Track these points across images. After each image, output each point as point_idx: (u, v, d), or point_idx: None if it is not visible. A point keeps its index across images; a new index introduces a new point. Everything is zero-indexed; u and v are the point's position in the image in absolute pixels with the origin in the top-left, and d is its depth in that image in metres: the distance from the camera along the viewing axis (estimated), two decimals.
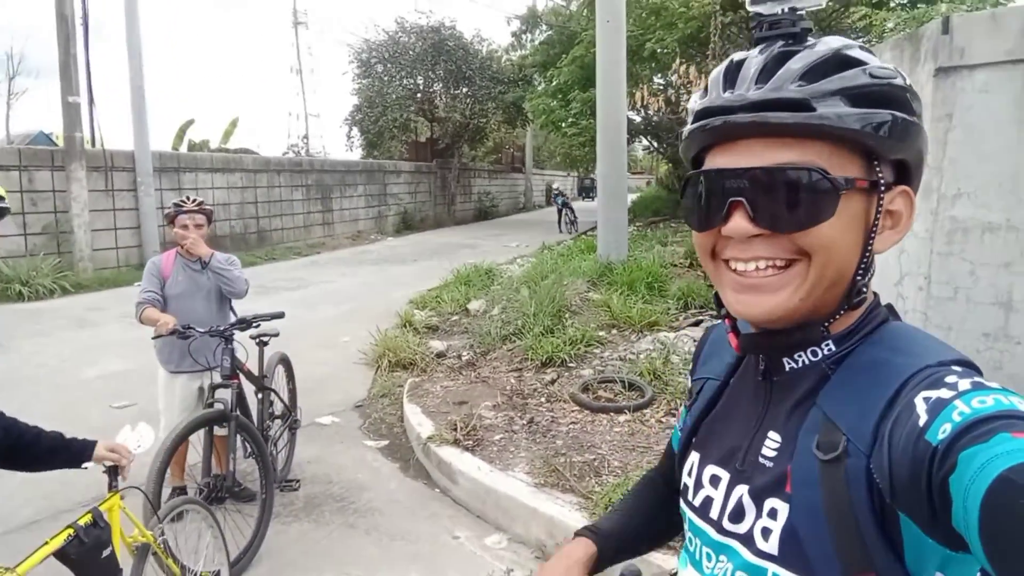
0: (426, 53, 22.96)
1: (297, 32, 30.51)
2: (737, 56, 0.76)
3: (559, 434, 4.30)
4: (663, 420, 4.40)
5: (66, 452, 2.00)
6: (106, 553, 1.93)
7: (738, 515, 0.78)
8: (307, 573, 3.30)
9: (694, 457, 0.90)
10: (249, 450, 3.51)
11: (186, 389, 3.77)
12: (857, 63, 0.71)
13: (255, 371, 3.87)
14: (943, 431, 0.60)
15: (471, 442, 4.27)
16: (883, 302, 0.81)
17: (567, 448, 4.06)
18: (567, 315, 6.71)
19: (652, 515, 1.11)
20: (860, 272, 0.75)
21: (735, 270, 0.76)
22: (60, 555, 1.81)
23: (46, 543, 1.79)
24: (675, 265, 9.56)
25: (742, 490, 0.79)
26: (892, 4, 13.46)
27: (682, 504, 0.91)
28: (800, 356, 0.78)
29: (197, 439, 3.35)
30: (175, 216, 3.72)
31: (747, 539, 0.76)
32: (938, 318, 3.97)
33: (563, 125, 17.92)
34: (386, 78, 23.57)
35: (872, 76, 0.71)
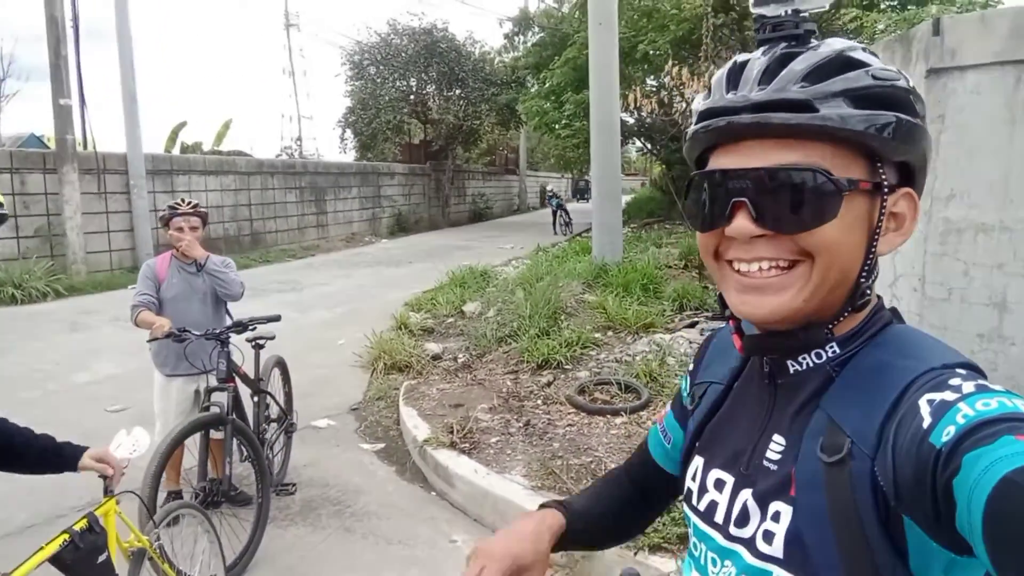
0: (419, 55, 22.97)
1: (289, 34, 30.45)
2: (740, 58, 0.76)
3: (556, 436, 4.30)
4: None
5: (56, 458, 1.98)
6: (102, 558, 1.92)
7: (743, 519, 0.78)
8: None
9: (698, 461, 0.89)
10: (245, 454, 3.49)
11: (182, 392, 3.75)
12: (860, 65, 0.72)
13: (251, 374, 3.86)
14: (947, 433, 0.60)
15: (468, 445, 4.26)
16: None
17: (564, 451, 4.06)
18: (563, 317, 6.71)
19: (617, 510, 1.10)
20: (864, 274, 0.74)
21: (738, 271, 0.76)
22: (55, 560, 1.80)
23: (41, 548, 1.78)
24: (670, 267, 9.58)
25: (747, 494, 0.79)
26: (883, 6, 13.54)
27: (686, 508, 0.90)
28: (804, 359, 0.78)
29: (193, 443, 3.33)
30: (170, 219, 3.70)
31: (749, 542, 0.76)
32: (933, 319, 3.98)
33: (556, 127, 17.94)
34: (379, 80, 23.55)
35: (875, 78, 0.71)
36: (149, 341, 3.59)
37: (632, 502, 1.11)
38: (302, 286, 11.75)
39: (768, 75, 0.72)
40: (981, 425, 0.59)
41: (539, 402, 4.93)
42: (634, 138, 20.02)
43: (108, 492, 2.09)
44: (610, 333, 6.55)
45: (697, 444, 0.92)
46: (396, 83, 23.70)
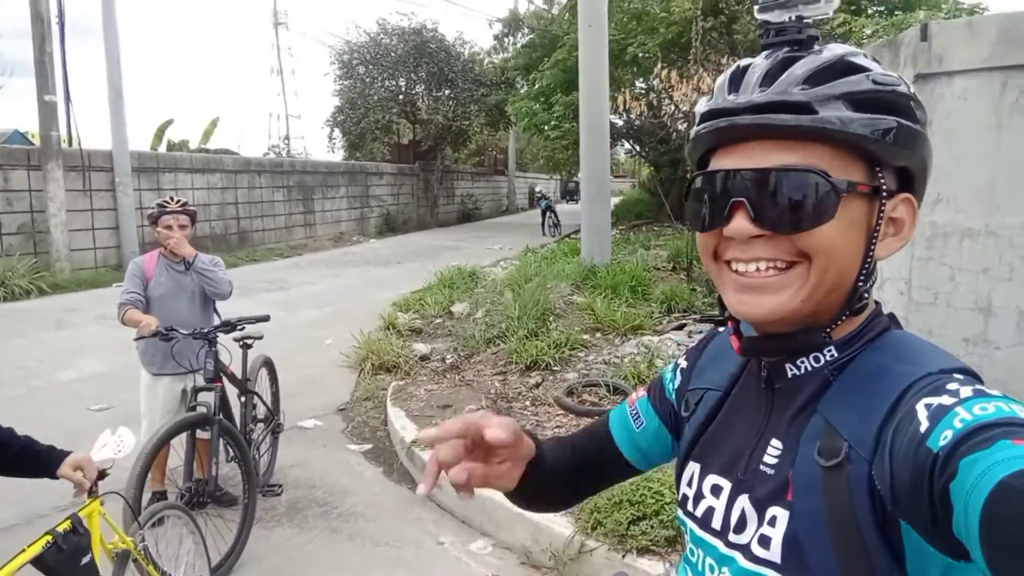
0: (408, 55, 22.94)
1: (277, 32, 30.30)
2: (743, 62, 0.77)
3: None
4: None
5: (34, 462, 1.93)
6: (85, 560, 1.89)
7: (741, 525, 0.78)
8: None
9: (693, 467, 0.89)
10: (231, 454, 3.47)
11: (169, 392, 3.72)
12: (861, 69, 0.72)
13: (238, 374, 3.83)
14: (944, 438, 0.60)
15: None
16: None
17: None
18: (551, 318, 6.72)
19: (563, 474, 1.05)
20: (861, 278, 0.75)
21: (736, 271, 0.76)
22: (38, 562, 1.77)
23: (23, 551, 1.75)
24: (658, 269, 9.61)
25: (744, 499, 0.78)
26: (870, 11, 13.65)
27: (682, 514, 0.90)
28: (803, 362, 0.78)
29: (179, 443, 3.30)
30: (158, 216, 3.67)
31: (745, 548, 0.76)
32: (919, 323, 4.01)
33: (546, 128, 17.98)
34: (368, 80, 23.50)
35: (875, 82, 0.71)
36: (136, 339, 3.56)
37: (573, 475, 1.06)
38: (289, 285, 11.70)
39: (769, 78, 0.73)
40: (978, 429, 0.59)
41: (527, 404, 4.93)
42: (623, 140, 20.10)
43: (92, 493, 2.05)
44: (598, 335, 6.56)
45: (693, 450, 0.91)
46: (385, 83, 23.66)
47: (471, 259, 11.90)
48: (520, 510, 3.41)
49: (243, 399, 3.85)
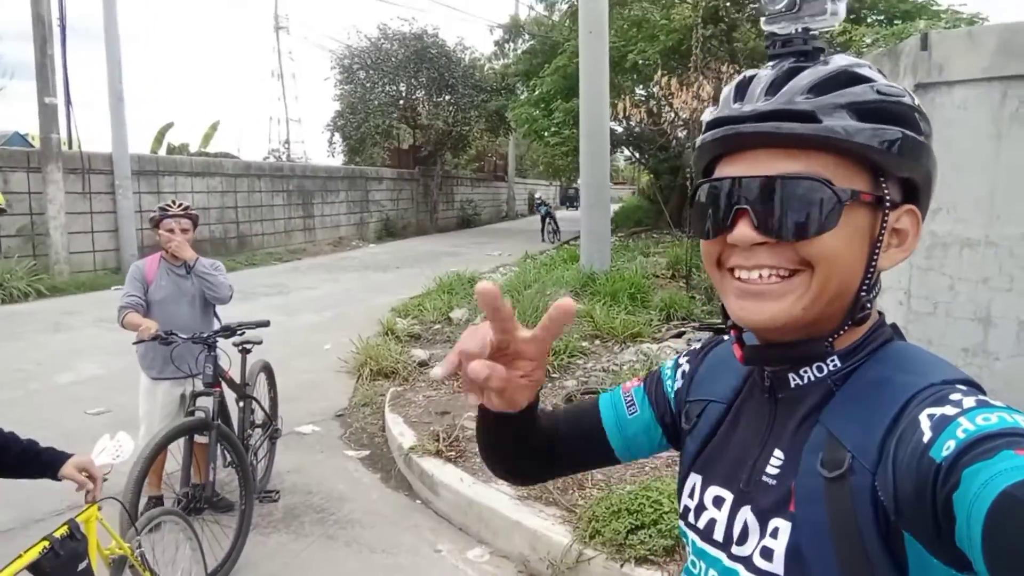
0: (409, 60, 22.97)
1: (278, 36, 30.43)
2: (749, 72, 0.78)
3: None
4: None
5: (35, 464, 1.92)
6: (82, 566, 1.87)
7: (744, 537, 0.78)
8: None
9: (695, 479, 0.89)
10: (229, 459, 3.45)
11: (168, 396, 3.71)
12: (865, 80, 0.73)
13: (237, 378, 3.82)
14: (947, 448, 0.60)
15: (454, 453, 4.24)
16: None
17: None
18: None
19: (546, 442, 1.01)
20: (864, 288, 0.75)
21: (739, 278, 0.76)
22: (34, 568, 1.75)
23: (20, 556, 1.74)
24: (657, 276, 9.62)
25: (747, 511, 0.78)
26: (869, 20, 13.70)
27: (683, 526, 0.89)
28: (806, 372, 0.78)
29: (176, 447, 3.29)
30: (160, 220, 3.67)
31: (747, 560, 0.76)
32: (918, 333, 4.01)
33: (546, 134, 18.01)
34: (368, 84, 23.53)
35: (880, 93, 0.72)
36: (135, 343, 3.55)
37: (552, 447, 1.02)
38: (288, 290, 11.69)
39: (774, 87, 0.73)
40: (981, 440, 0.59)
41: None
42: (623, 147, 20.14)
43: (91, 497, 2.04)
44: (597, 342, 6.55)
45: (695, 462, 0.91)
46: (386, 88, 23.70)
47: (470, 265, 11.91)
48: (518, 518, 3.42)
49: (241, 404, 3.84)
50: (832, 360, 0.77)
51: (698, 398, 0.95)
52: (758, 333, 0.81)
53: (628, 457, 1.03)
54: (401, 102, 24.25)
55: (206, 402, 3.33)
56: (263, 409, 4.15)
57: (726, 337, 0.89)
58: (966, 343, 3.90)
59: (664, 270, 10.08)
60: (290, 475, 4.41)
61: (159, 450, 3.05)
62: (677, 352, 5.90)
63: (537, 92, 18.08)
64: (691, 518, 0.87)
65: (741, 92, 0.76)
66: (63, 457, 1.94)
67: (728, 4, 14.19)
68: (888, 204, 0.73)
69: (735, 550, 0.78)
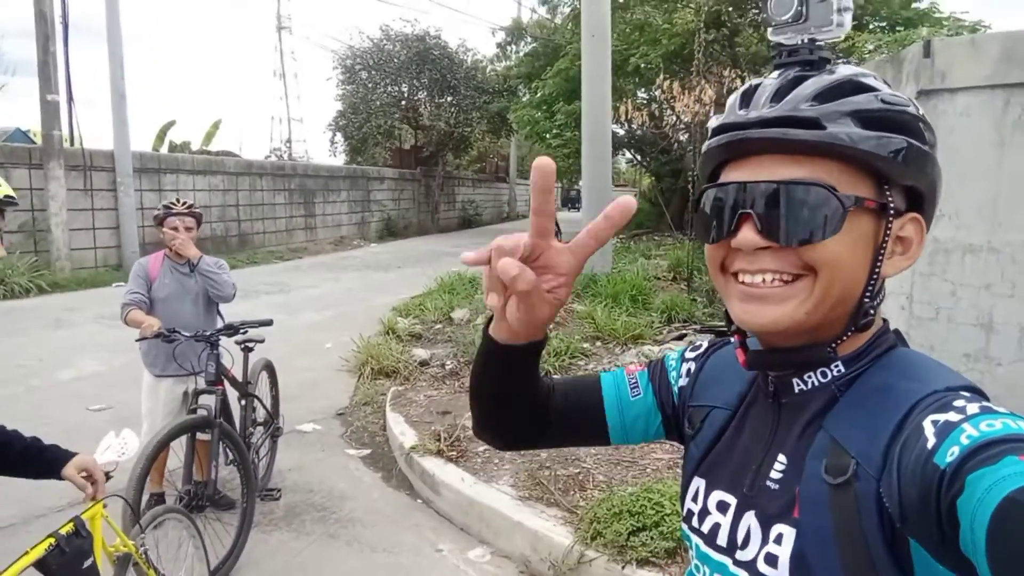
0: (411, 61, 22.97)
1: (281, 36, 30.46)
2: (755, 81, 0.79)
3: None
4: None
5: (38, 462, 1.90)
6: (87, 564, 1.88)
7: (747, 543, 0.78)
8: None
9: (699, 483, 0.89)
10: (230, 457, 3.46)
11: (171, 393, 3.71)
12: (870, 89, 0.73)
13: (239, 376, 3.83)
14: (951, 454, 0.60)
15: (455, 453, 4.24)
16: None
17: (552, 461, 4.05)
18: (551, 326, 6.69)
19: (543, 404, 0.98)
20: (867, 294, 0.75)
21: (743, 282, 0.76)
22: (40, 565, 1.76)
23: (26, 553, 1.74)
24: (658, 278, 9.62)
25: (750, 516, 0.79)
26: (872, 26, 13.71)
27: (687, 529, 0.90)
28: (810, 377, 0.78)
29: (178, 445, 3.29)
30: (164, 218, 3.67)
31: (750, 565, 0.76)
32: (920, 338, 4.02)
33: (547, 136, 18.01)
34: (370, 85, 23.53)
35: (884, 102, 0.72)
36: (138, 340, 3.55)
37: (547, 410, 0.99)
38: (289, 288, 11.69)
39: (779, 95, 0.74)
40: (985, 446, 0.59)
41: None
42: (624, 150, 20.14)
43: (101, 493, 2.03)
44: (598, 344, 6.56)
45: (699, 467, 0.91)
46: (388, 88, 23.69)
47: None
48: (519, 518, 3.42)
49: (243, 402, 3.84)
50: (836, 365, 0.77)
51: (701, 403, 0.95)
52: (761, 337, 0.81)
53: (620, 439, 1.02)
54: (403, 103, 24.24)
55: (208, 400, 3.34)
56: (265, 407, 4.16)
57: (731, 340, 0.89)
58: (968, 348, 3.91)
59: (665, 272, 10.08)
60: (291, 473, 4.41)
61: (161, 448, 3.06)
62: None
63: (539, 94, 18.09)
64: (695, 522, 0.87)
65: (747, 99, 0.77)
66: (66, 456, 1.92)
67: (730, 9, 14.21)
68: (892, 212, 0.74)
69: (740, 555, 0.78)
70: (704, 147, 0.82)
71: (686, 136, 14.05)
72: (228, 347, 3.69)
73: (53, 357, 7.00)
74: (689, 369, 0.99)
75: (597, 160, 9.24)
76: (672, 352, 1.05)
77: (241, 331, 3.64)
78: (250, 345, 3.86)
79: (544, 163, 0.68)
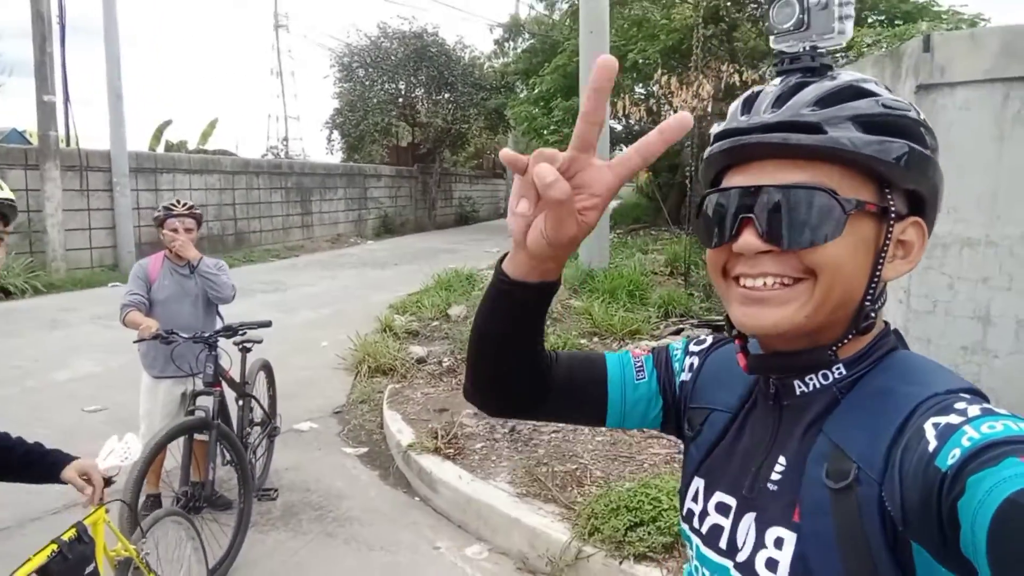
0: (408, 58, 22.95)
1: (278, 34, 30.35)
2: (756, 88, 0.80)
3: (541, 443, 4.28)
4: (646, 430, 4.40)
5: (40, 465, 1.87)
6: (89, 570, 1.86)
7: (747, 545, 0.78)
8: None
9: (699, 483, 0.89)
10: (228, 458, 3.45)
11: (169, 395, 3.70)
12: (870, 94, 0.74)
13: (237, 377, 3.81)
14: (952, 456, 0.60)
15: (452, 450, 4.23)
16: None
17: (549, 457, 4.05)
18: (548, 322, 6.71)
19: (545, 371, 0.95)
20: (868, 298, 0.75)
21: (744, 286, 0.77)
22: (43, 572, 1.74)
23: (29, 560, 1.72)
24: (656, 273, 9.63)
25: (750, 518, 0.79)
26: (870, 20, 13.70)
27: (687, 529, 0.90)
28: (811, 379, 0.78)
29: (175, 445, 3.28)
30: (164, 219, 3.65)
31: (748, 567, 0.76)
32: (917, 331, 4.02)
33: (545, 132, 17.96)
34: (368, 82, 23.51)
35: (885, 107, 0.73)
36: (136, 342, 3.54)
37: (550, 375, 0.96)
38: (286, 287, 11.67)
39: (781, 100, 0.74)
40: (986, 448, 0.59)
41: None
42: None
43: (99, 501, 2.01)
44: (596, 339, 6.56)
45: (699, 468, 0.91)
46: (385, 86, 23.67)
47: (468, 262, 11.90)
48: (517, 515, 3.41)
49: (241, 402, 3.83)
50: (837, 368, 0.77)
51: (701, 405, 0.95)
52: (761, 340, 0.82)
53: (616, 421, 0.99)
54: (400, 100, 24.22)
55: (206, 401, 3.32)
56: (262, 407, 4.15)
57: (734, 333, 0.88)
58: (965, 341, 3.91)
59: (662, 267, 10.10)
60: (288, 472, 4.40)
61: (159, 450, 3.05)
62: None
63: (537, 91, 18.07)
64: (695, 522, 0.87)
65: (748, 105, 0.77)
66: (66, 460, 1.90)
67: (729, 4, 14.19)
68: (893, 216, 0.74)
69: (740, 558, 0.78)
70: (706, 153, 0.82)
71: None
72: (226, 347, 3.68)
73: (49, 358, 6.98)
74: (692, 364, 0.99)
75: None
76: (676, 342, 1.04)
77: (240, 332, 3.62)
78: (248, 345, 3.85)
79: (609, 60, 0.66)
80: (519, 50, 23.68)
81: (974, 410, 0.64)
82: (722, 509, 0.83)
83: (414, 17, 39.73)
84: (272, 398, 4.44)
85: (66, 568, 1.75)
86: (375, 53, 23.35)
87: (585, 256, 9.27)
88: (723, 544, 0.81)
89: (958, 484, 0.58)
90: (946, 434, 0.62)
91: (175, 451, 3.33)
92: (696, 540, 0.86)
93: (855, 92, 0.73)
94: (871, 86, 0.74)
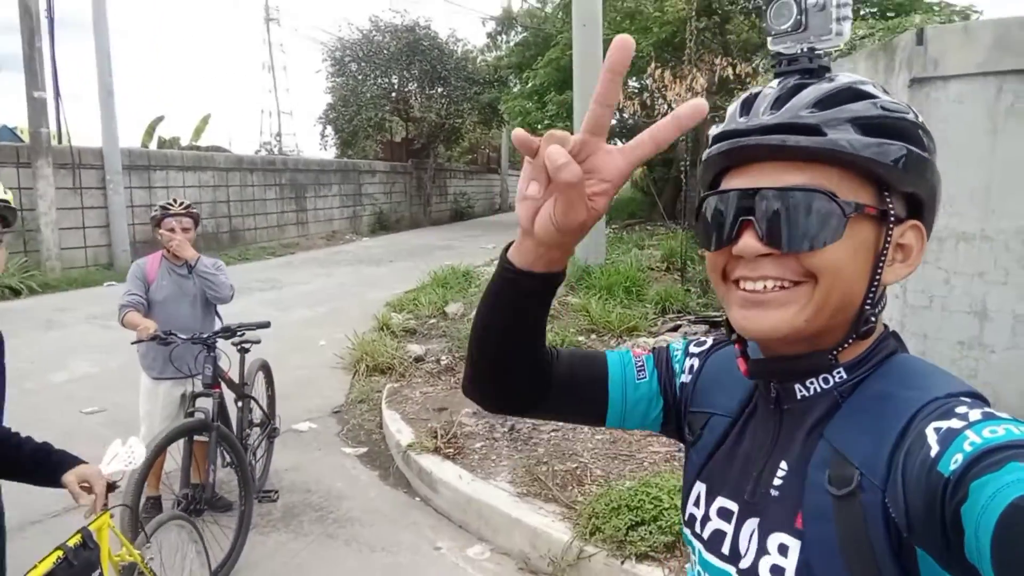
0: (401, 52, 22.84)
1: (269, 28, 30.19)
2: (754, 89, 0.79)
3: (540, 442, 4.29)
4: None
5: (46, 465, 1.86)
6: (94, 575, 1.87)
7: (750, 551, 0.78)
8: None
9: (700, 488, 0.89)
10: (228, 460, 3.45)
11: (169, 396, 3.69)
12: (869, 96, 0.73)
13: (236, 378, 3.81)
14: (955, 461, 0.60)
15: (452, 450, 4.24)
16: None
17: (549, 456, 4.05)
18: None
19: (545, 368, 0.95)
20: (868, 301, 0.75)
21: (744, 289, 0.77)
22: None
23: (35, 567, 1.72)
24: (652, 268, 9.64)
25: (753, 523, 0.79)
26: (863, 12, 13.69)
27: (689, 535, 0.90)
28: (812, 383, 0.78)
29: (175, 447, 3.28)
30: (161, 219, 3.63)
31: (751, 573, 0.76)
32: (914, 326, 4.03)
33: (539, 127, 17.94)
34: (360, 77, 23.39)
35: (884, 109, 0.73)
36: (134, 343, 3.53)
37: (550, 372, 0.95)
38: (282, 284, 11.64)
39: (779, 102, 0.74)
40: (988, 452, 0.59)
41: None
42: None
43: (102, 505, 2.00)
44: (593, 336, 6.56)
45: (700, 473, 0.91)
46: (378, 80, 23.56)
47: (464, 258, 11.87)
48: (517, 515, 3.42)
49: (240, 404, 3.83)
50: (838, 372, 0.77)
51: (702, 409, 0.95)
52: (761, 343, 0.81)
53: (616, 421, 0.99)
54: (393, 95, 24.11)
55: (206, 403, 3.32)
56: (261, 408, 4.15)
57: (733, 337, 0.88)
58: (962, 336, 3.93)
59: (659, 263, 10.10)
60: (288, 473, 4.40)
61: (159, 452, 3.05)
62: None
63: (530, 84, 18.03)
64: (697, 527, 0.87)
65: (747, 107, 0.77)
66: (71, 463, 1.88)
67: None
68: (892, 218, 0.74)
69: (743, 564, 0.78)
70: (704, 155, 0.82)
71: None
72: (224, 348, 3.67)
73: (45, 359, 6.95)
74: (692, 366, 0.99)
75: None
76: (676, 343, 1.04)
77: (238, 333, 3.61)
78: (246, 346, 3.84)
79: (627, 40, 0.65)
80: (512, 44, 23.60)
81: (975, 414, 0.64)
82: (724, 514, 0.83)
83: (406, 10, 39.49)
84: (271, 398, 4.44)
85: (72, 574, 1.75)
86: (367, 47, 23.23)
87: (581, 252, 9.26)
88: (725, 550, 0.81)
89: (961, 489, 0.58)
90: (948, 439, 0.62)
91: (175, 453, 3.32)
92: (698, 545, 0.86)
93: (854, 94, 0.73)
94: (869, 88, 0.74)
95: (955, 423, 0.64)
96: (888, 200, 0.74)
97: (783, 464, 0.78)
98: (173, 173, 14.88)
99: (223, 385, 3.55)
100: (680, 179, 13.90)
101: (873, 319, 0.76)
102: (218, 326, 3.69)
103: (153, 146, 19.46)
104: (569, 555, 3.13)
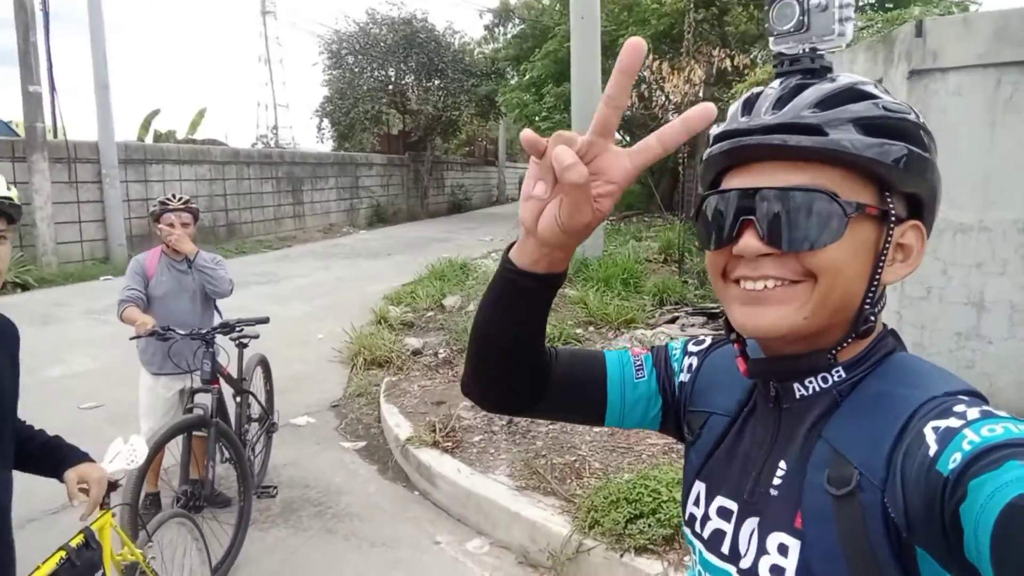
0: (398, 45, 22.74)
1: (265, 21, 30.08)
2: (756, 89, 0.79)
3: (539, 435, 4.30)
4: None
5: (54, 456, 1.85)
6: (97, 575, 1.87)
7: (750, 551, 0.78)
8: None
9: (700, 487, 0.89)
10: (227, 455, 3.44)
11: (168, 391, 3.69)
12: (871, 96, 0.73)
13: (234, 373, 3.80)
14: (953, 460, 0.60)
15: (450, 443, 4.24)
16: None
17: (547, 449, 4.06)
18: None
19: (544, 368, 0.95)
20: (868, 301, 0.75)
21: (744, 288, 0.77)
22: None
23: (38, 568, 1.71)
24: (650, 260, 9.64)
25: (753, 523, 0.79)
26: (861, 3, 13.65)
27: (689, 535, 0.90)
28: (811, 382, 0.78)
29: (173, 443, 3.27)
30: (160, 214, 3.62)
31: (751, 573, 0.76)
32: (911, 317, 4.03)
33: (537, 119, 17.90)
34: (357, 69, 23.30)
35: (885, 109, 0.73)
36: (132, 339, 3.52)
37: (548, 371, 0.95)
38: (279, 278, 11.62)
39: (781, 102, 0.74)
40: (987, 451, 0.59)
41: None
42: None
43: (104, 505, 2.00)
44: (591, 328, 6.56)
45: (700, 472, 0.91)
46: (375, 73, 23.47)
47: (462, 250, 11.88)
48: (516, 508, 3.43)
49: (238, 399, 3.83)
50: (837, 371, 0.78)
51: (700, 409, 0.95)
52: (761, 341, 0.82)
53: (615, 420, 0.99)
54: (390, 87, 24.03)
55: (204, 399, 3.32)
56: (259, 403, 4.14)
57: (732, 337, 0.88)
58: (959, 327, 3.93)
59: (656, 254, 10.11)
60: (287, 468, 4.40)
61: (158, 449, 3.05)
62: (671, 338, 5.92)
63: (528, 77, 17.97)
64: (697, 527, 0.87)
65: (748, 107, 0.77)
66: (75, 459, 1.86)
67: None
68: (893, 219, 0.74)
69: (743, 564, 0.78)
70: (705, 154, 0.82)
71: (676, 117, 14.00)
72: (223, 343, 3.66)
73: (42, 354, 6.92)
74: (691, 365, 0.99)
75: None
76: (675, 341, 1.04)
77: (237, 329, 3.61)
78: (245, 341, 3.83)
79: (639, 43, 0.65)
80: (509, 36, 23.47)
81: (973, 413, 0.64)
82: (724, 514, 0.83)
83: (403, 3, 39.37)
84: (269, 393, 4.44)
85: (74, 575, 1.75)
86: (364, 40, 23.13)
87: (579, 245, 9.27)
88: (725, 549, 0.81)
89: (960, 489, 0.58)
90: (946, 438, 0.62)
91: (174, 449, 3.33)
92: (699, 545, 0.87)
93: (855, 94, 0.73)
94: (871, 88, 0.74)
95: (953, 422, 0.64)
96: (889, 200, 0.74)
97: (782, 464, 0.78)
98: (169, 167, 14.83)
99: (222, 381, 3.54)
100: (678, 170, 13.88)
101: (872, 319, 0.76)
102: (217, 321, 3.68)
103: (149, 140, 19.41)
104: (568, 548, 3.14)
